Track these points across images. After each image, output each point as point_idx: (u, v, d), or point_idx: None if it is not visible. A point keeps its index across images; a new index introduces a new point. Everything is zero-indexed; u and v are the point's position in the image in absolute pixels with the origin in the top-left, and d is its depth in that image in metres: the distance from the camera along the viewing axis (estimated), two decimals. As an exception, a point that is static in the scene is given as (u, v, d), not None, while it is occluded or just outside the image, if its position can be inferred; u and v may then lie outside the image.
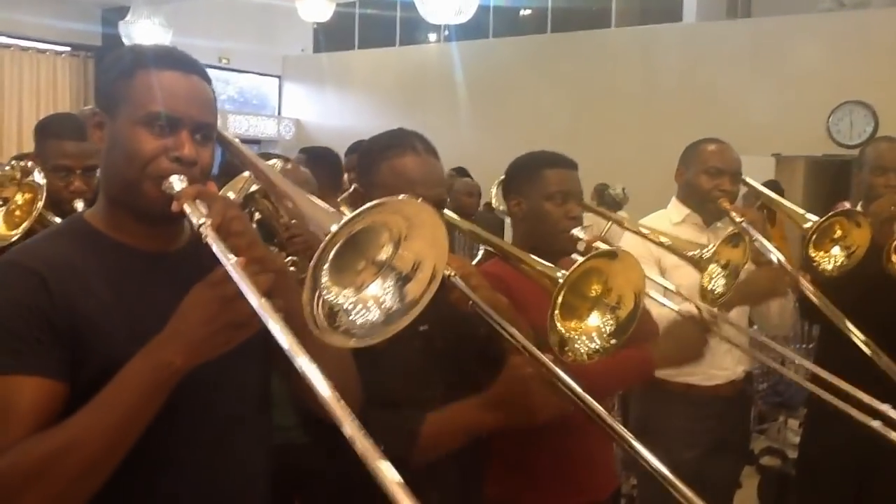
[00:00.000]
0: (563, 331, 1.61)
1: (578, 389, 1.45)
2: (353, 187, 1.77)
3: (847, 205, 2.83)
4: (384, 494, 0.85)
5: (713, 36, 10.83)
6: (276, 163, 2.21)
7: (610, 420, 1.44)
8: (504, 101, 11.83)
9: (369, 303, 1.14)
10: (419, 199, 1.15)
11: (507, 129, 10.52)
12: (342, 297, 1.12)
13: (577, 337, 1.63)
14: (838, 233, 2.50)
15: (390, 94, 12.85)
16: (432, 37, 13.85)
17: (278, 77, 14.28)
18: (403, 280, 1.16)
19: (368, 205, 1.05)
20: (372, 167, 1.69)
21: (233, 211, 1.24)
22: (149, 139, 1.26)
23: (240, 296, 1.07)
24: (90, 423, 1.13)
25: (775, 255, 2.51)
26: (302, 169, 2.52)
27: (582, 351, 1.63)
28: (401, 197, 1.12)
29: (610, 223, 2.61)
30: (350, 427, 0.93)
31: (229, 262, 1.10)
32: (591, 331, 1.64)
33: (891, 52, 9.21)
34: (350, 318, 1.12)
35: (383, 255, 1.15)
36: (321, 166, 2.72)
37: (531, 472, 2.04)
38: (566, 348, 1.60)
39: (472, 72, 12.20)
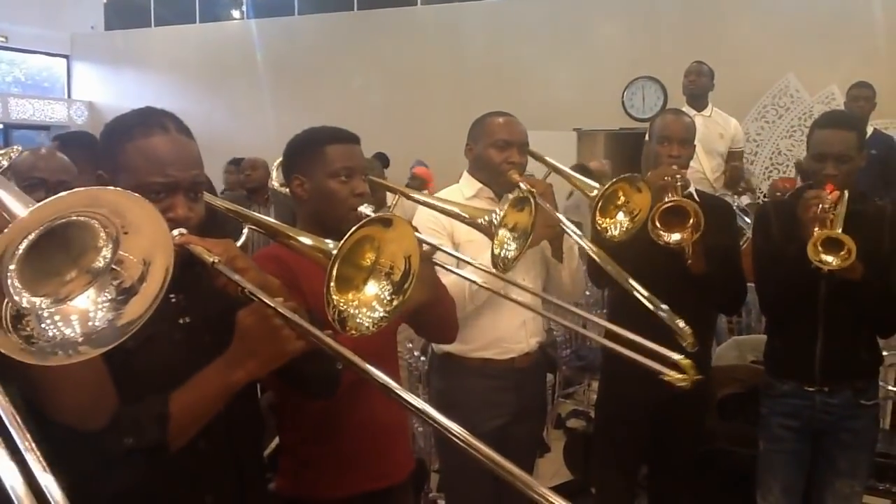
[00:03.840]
0: (343, 305, 1.52)
1: (357, 360, 1.35)
2: (98, 173, 1.57)
3: None
4: None
5: (516, 13, 11.12)
6: (17, 148, 1.98)
7: (385, 379, 1.36)
8: (312, 80, 11.60)
9: (72, 317, 0.98)
10: (123, 189, 0.99)
11: (317, 108, 10.31)
12: (31, 304, 0.95)
13: (356, 310, 1.54)
14: (622, 199, 2.59)
15: (192, 74, 12.27)
16: (235, 13, 13.34)
17: (66, 57, 13.25)
18: (126, 293, 1.01)
19: (52, 198, 0.89)
20: (116, 149, 1.52)
21: None
22: None
23: None
24: None
25: (566, 226, 2.57)
26: (59, 155, 2.42)
27: (365, 324, 1.55)
28: (96, 188, 0.95)
29: (398, 196, 2.54)
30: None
31: None
32: (371, 300, 1.56)
33: (675, 29, 9.84)
34: (41, 326, 0.96)
35: (100, 261, 1.00)
36: (76, 151, 2.54)
37: (323, 465, 1.98)
38: (347, 325, 1.51)
39: (278, 50, 11.87)
